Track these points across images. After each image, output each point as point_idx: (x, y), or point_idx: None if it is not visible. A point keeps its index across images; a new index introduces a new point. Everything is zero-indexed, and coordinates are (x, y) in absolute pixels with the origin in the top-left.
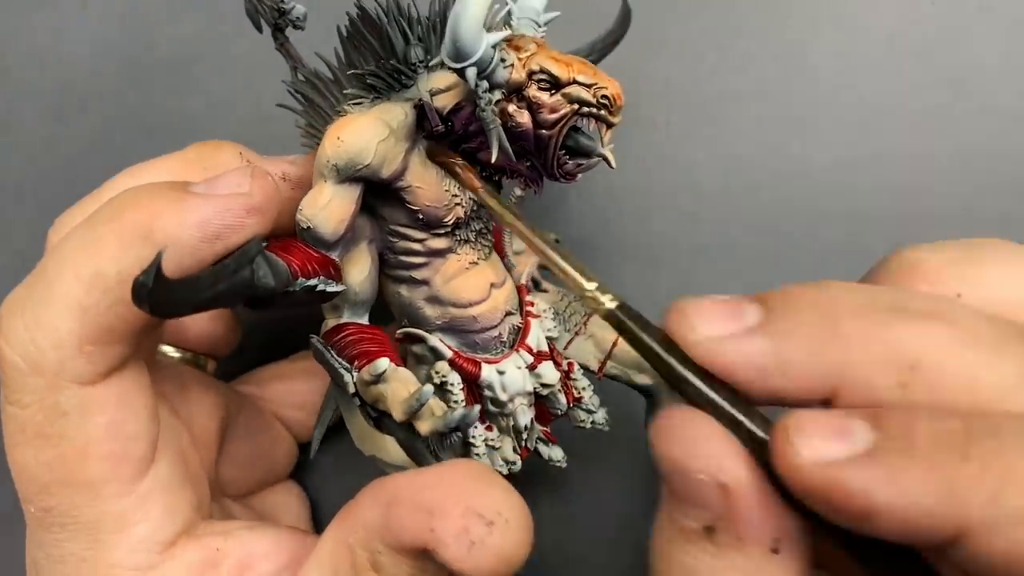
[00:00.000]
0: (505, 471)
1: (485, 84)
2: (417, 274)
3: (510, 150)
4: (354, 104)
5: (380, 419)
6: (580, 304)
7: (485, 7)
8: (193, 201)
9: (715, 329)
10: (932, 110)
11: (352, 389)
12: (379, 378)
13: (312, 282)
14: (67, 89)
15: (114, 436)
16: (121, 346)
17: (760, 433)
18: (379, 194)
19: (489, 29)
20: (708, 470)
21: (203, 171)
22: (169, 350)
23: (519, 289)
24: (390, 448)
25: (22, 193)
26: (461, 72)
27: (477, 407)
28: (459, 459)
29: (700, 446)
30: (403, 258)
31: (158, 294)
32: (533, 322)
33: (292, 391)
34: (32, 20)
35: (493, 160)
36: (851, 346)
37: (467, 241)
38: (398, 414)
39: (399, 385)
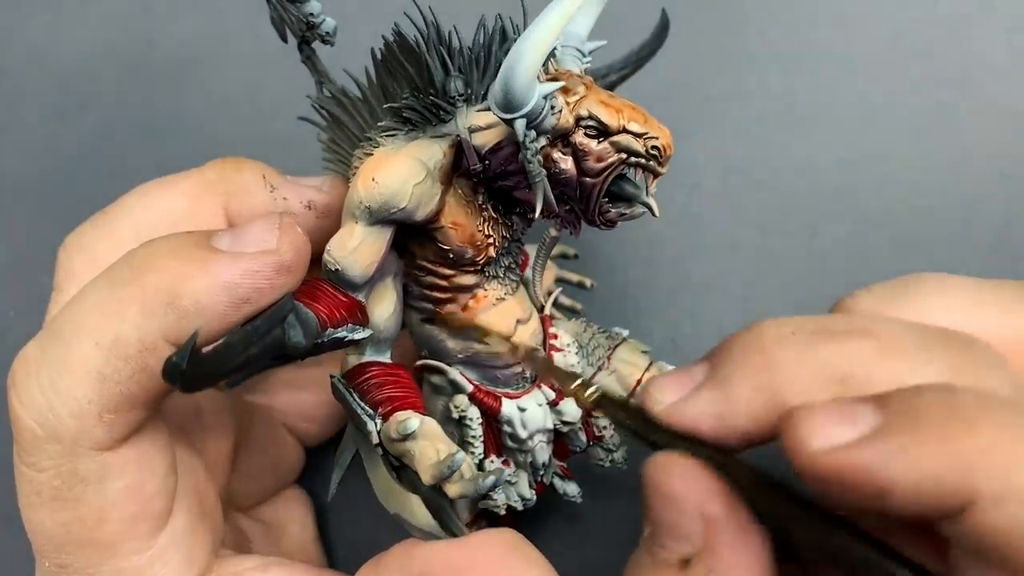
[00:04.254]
0: (520, 507)
1: (533, 134)
2: (443, 309)
3: (554, 201)
4: (387, 136)
5: (402, 470)
6: (604, 337)
7: (541, 59)
8: (219, 262)
9: (671, 395)
10: (933, 109)
11: (376, 439)
12: (407, 437)
13: (340, 333)
14: (67, 89)
15: (133, 499)
16: (141, 411)
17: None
18: (410, 231)
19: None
20: (697, 502)
21: (224, 195)
22: None
23: (543, 321)
24: (415, 509)
25: (22, 193)
26: (510, 122)
27: (507, 470)
28: (492, 530)
29: (692, 481)
30: (428, 292)
31: (192, 373)
32: (556, 356)
33: (301, 402)
34: (32, 20)
35: (537, 214)
36: (784, 372)
37: (495, 277)
38: (427, 478)
39: (427, 444)
